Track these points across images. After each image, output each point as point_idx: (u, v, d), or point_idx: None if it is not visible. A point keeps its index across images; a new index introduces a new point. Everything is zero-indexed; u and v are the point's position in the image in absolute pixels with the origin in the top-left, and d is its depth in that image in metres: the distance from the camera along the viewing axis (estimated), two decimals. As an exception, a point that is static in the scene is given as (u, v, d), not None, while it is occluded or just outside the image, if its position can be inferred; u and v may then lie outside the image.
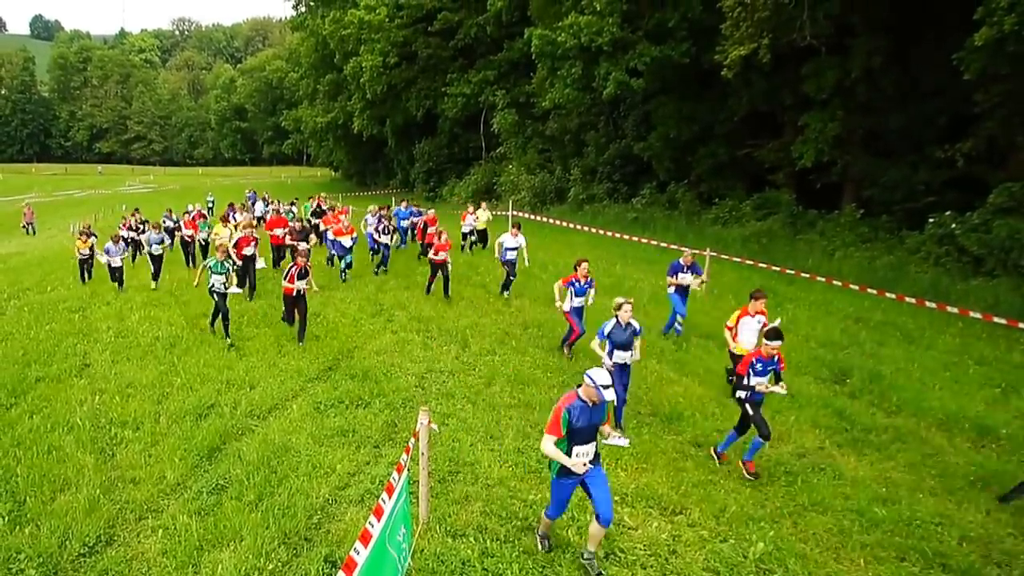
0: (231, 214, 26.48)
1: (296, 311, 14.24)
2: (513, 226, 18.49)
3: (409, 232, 26.04)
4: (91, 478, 8.61)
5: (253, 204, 34.13)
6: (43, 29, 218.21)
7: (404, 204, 26.49)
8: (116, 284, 19.04)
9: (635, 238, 24.43)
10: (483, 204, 27.15)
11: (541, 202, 38.63)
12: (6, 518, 7.79)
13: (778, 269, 19.04)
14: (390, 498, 5.65)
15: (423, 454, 7.15)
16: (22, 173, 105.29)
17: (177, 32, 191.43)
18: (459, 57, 49.69)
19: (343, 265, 20.16)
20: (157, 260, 19.94)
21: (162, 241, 20.44)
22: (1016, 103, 19.24)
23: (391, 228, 21.48)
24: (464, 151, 53.44)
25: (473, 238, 25.18)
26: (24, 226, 37.22)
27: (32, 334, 14.84)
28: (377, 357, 13.05)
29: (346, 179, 77.40)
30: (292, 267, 13.99)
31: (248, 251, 17.84)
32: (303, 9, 64.48)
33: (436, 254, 17.57)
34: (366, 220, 22.00)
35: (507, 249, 17.76)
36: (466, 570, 6.84)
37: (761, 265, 19.55)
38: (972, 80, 18.67)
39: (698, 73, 28.94)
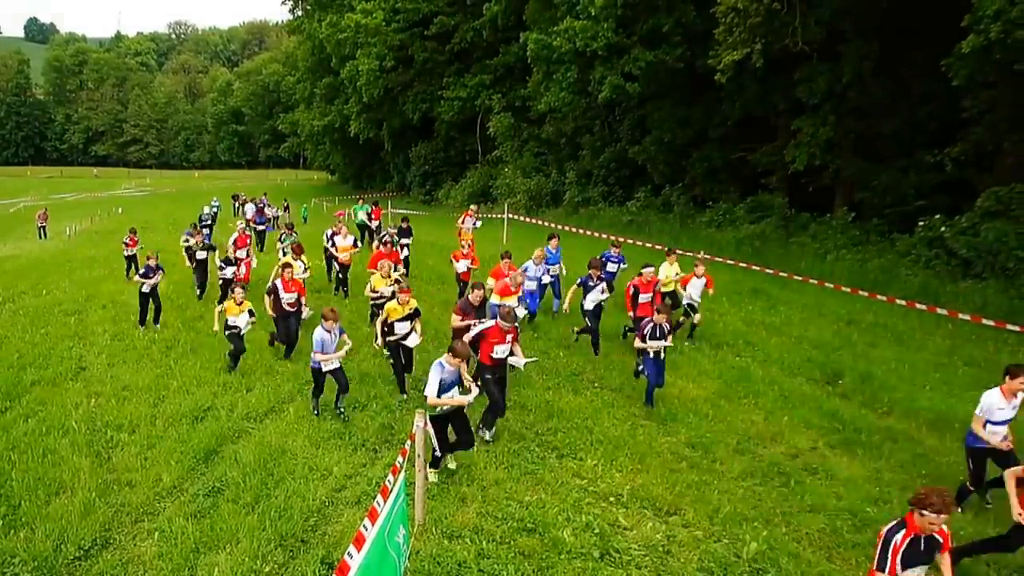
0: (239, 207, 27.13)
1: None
2: (551, 237, 16.32)
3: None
4: (87, 481, 8.59)
5: (263, 208, 34.25)
6: (38, 32, 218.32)
7: (554, 243, 15.98)
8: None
9: (630, 241, 24.48)
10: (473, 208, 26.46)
11: (536, 205, 38.74)
12: (1, 522, 7.78)
13: (771, 272, 19.16)
14: (385, 501, 5.68)
15: (419, 456, 7.18)
16: (17, 176, 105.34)
17: (173, 35, 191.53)
18: (455, 61, 49.85)
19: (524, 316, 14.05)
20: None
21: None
22: (1002, 109, 19.50)
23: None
24: (460, 154, 53.60)
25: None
26: (39, 228, 37.36)
27: (27, 337, 14.80)
28: (374, 360, 13.02)
29: (343, 182, 77.50)
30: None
31: (288, 298, 13.24)
32: (300, 13, 64.57)
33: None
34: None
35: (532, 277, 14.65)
36: (462, 571, 6.89)
37: (754, 268, 19.68)
38: (960, 86, 18.87)
39: (692, 78, 29.08)
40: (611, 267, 15.48)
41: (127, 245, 21.37)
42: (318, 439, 9.84)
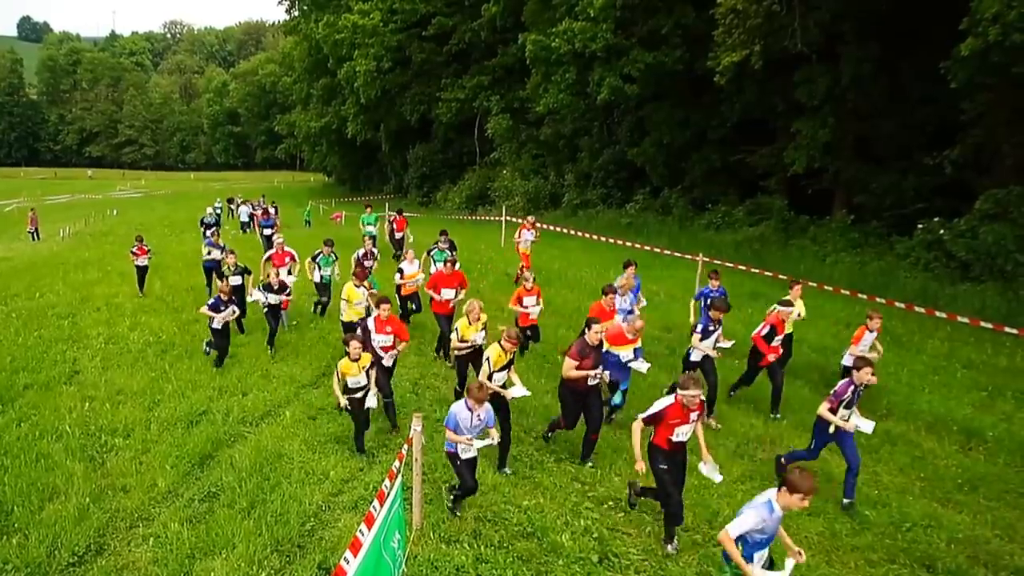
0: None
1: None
2: (627, 265, 13.82)
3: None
4: (80, 486, 8.54)
5: (268, 210, 33.99)
6: (31, 31, 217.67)
7: (632, 270, 13.71)
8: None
9: (629, 243, 24.46)
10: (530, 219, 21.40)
11: (535, 207, 38.64)
12: (-6, 527, 7.73)
13: (771, 274, 19.10)
14: (382, 505, 5.65)
15: (416, 460, 7.17)
16: (10, 177, 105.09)
17: (168, 35, 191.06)
18: (453, 62, 49.69)
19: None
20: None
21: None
22: (1001, 112, 19.46)
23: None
24: (458, 156, 53.46)
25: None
26: (29, 232, 37.17)
27: (20, 340, 14.67)
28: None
29: (339, 184, 77.38)
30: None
31: (382, 340, 10.60)
32: (296, 13, 64.40)
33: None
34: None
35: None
36: None
37: (754, 270, 19.61)
38: (959, 89, 18.83)
39: (691, 79, 29.05)
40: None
41: (135, 255, 18.69)
42: (314, 443, 9.81)
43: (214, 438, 9.88)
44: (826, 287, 17.94)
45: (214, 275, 17.18)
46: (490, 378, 8.74)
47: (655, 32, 28.54)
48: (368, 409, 9.58)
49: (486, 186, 45.73)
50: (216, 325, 12.87)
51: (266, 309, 14.00)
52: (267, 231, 24.00)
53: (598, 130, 37.29)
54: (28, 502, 8.18)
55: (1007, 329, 13.90)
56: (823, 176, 25.00)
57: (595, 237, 26.27)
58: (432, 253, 16.23)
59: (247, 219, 34.80)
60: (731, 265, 20.47)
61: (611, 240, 25.28)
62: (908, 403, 11.53)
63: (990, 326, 14.33)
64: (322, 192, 73.21)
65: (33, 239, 36.50)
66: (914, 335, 15.74)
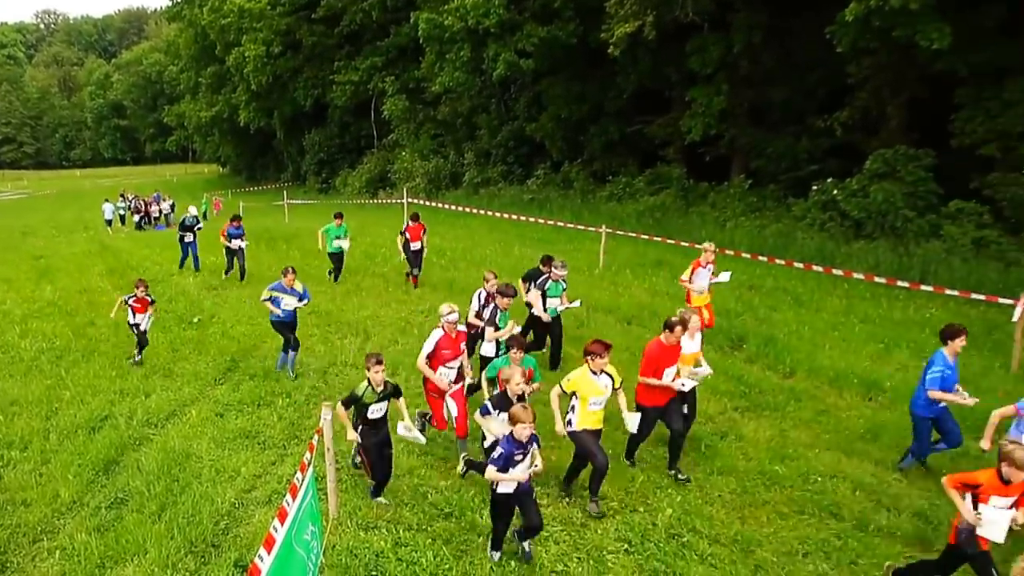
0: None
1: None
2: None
3: None
4: (-23, 505, 8.07)
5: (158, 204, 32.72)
6: None
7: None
8: None
9: (532, 219, 24.43)
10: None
11: (436, 188, 38.32)
12: None
13: (673, 242, 19.30)
14: (294, 499, 5.50)
15: (329, 449, 7.07)
16: None
17: (42, 25, 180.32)
18: (345, 44, 48.65)
19: None
20: None
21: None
22: (885, 74, 20.17)
23: None
24: (356, 140, 52.61)
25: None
26: None
27: None
28: (277, 355, 12.65)
29: (235, 174, 75.45)
30: None
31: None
32: (179, -1, 62.00)
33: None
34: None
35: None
36: (380, 561, 6.82)
37: (656, 239, 19.80)
38: (845, 53, 19.42)
39: (586, 52, 29.07)
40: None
41: (134, 309, 12.62)
42: (223, 440, 9.59)
43: (118, 443, 9.54)
44: (727, 252, 18.20)
45: None
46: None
47: (548, 6, 28.54)
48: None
49: (386, 169, 45.03)
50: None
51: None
52: (236, 243, 18.70)
53: (496, 107, 37.16)
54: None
55: (899, 283, 14.38)
56: (720, 143, 25.56)
57: (498, 215, 26.14)
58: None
59: (110, 217, 33.94)
60: (634, 235, 20.68)
61: (514, 217, 25.20)
62: (810, 360, 11.79)
63: (884, 281, 14.79)
64: (218, 184, 71.01)
65: None
66: (813, 294, 16.17)
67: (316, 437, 6.85)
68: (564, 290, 11.83)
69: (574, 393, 7.61)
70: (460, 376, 8.78)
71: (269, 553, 4.82)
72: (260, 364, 12.36)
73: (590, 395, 7.50)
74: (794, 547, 7.08)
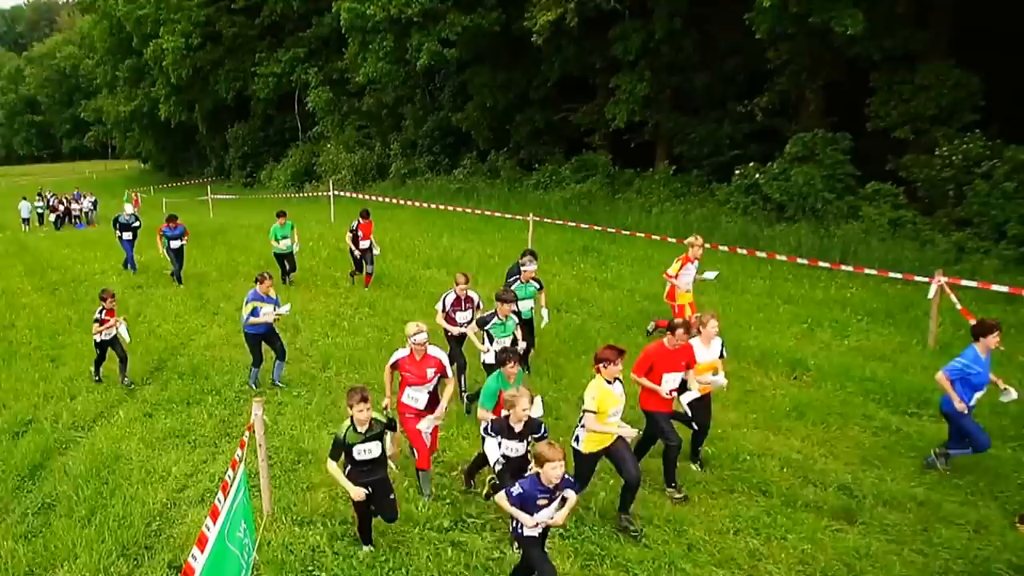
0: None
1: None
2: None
3: None
4: None
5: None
6: None
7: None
8: None
9: (459, 209, 24.28)
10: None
11: (362, 180, 37.85)
12: None
13: (600, 229, 19.42)
14: (226, 497, 5.43)
15: (261, 445, 6.94)
16: None
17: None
18: (267, 35, 47.59)
19: None
20: None
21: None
22: (802, 59, 20.54)
23: None
24: (280, 133, 51.60)
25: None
26: None
27: None
28: (205, 352, 12.51)
29: (157, 170, 73.30)
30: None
31: None
32: (92, -12, 59.77)
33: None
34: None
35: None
36: (316, 555, 6.80)
37: (583, 226, 19.87)
38: (763, 39, 19.74)
39: (510, 41, 28.93)
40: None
41: (99, 322, 11.29)
42: (152, 440, 9.42)
43: (43, 447, 9.27)
44: (654, 237, 18.37)
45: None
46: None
47: (471, -6, 28.25)
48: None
49: (311, 162, 44.25)
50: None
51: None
52: (176, 243, 17.62)
53: (421, 97, 36.88)
54: None
55: (821, 264, 14.66)
56: (644, 129, 25.77)
57: (426, 205, 25.92)
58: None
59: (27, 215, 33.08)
60: (561, 222, 20.71)
61: (442, 207, 24.99)
62: (736, 341, 11.87)
63: (806, 262, 15.05)
64: (140, 180, 68.92)
65: None
66: (738, 276, 16.36)
67: (247, 433, 6.77)
68: (540, 289, 10.92)
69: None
70: (434, 401, 7.82)
71: (203, 552, 4.75)
72: (188, 362, 12.13)
73: (609, 407, 6.86)
74: (725, 525, 7.13)
